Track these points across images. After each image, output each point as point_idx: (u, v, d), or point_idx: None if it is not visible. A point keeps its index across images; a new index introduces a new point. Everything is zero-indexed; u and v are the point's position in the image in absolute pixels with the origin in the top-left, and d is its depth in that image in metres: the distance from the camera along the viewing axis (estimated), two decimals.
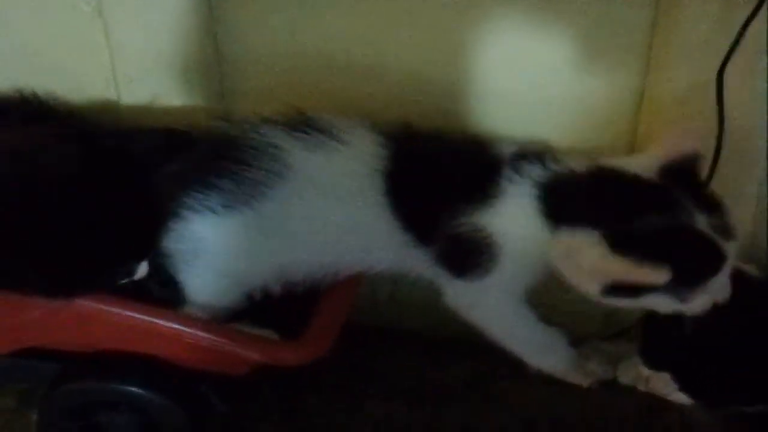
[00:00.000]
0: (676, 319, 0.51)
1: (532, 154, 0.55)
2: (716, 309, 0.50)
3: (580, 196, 0.52)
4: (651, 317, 0.55)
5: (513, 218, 0.53)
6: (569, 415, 0.60)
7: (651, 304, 0.50)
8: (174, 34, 0.61)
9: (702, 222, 0.49)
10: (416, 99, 0.60)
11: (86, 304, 0.50)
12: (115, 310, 0.51)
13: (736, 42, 0.50)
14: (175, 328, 0.51)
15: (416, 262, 0.58)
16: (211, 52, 0.62)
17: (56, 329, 0.54)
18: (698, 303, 0.50)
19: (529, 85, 0.57)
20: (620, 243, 0.46)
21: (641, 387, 0.59)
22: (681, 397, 0.56)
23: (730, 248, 0.49)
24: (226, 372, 0.55)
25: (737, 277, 0.51)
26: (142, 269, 0.51)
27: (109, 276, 0.50)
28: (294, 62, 0.61)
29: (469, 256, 0.54)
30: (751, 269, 0.56)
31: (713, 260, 0.48)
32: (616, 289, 0.48)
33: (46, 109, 0.62)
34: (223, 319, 0.55)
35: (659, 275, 0.46)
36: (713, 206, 0.50)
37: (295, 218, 0.55)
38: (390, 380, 0.64)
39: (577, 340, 0.60)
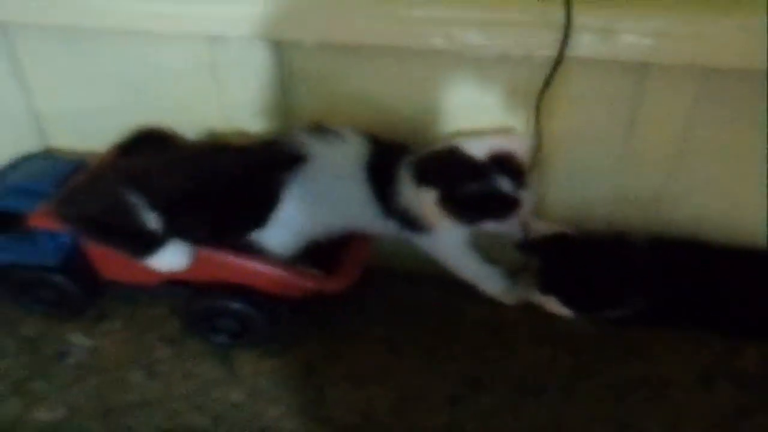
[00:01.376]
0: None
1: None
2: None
3: (431, 166, 0.82)
4: (542, 260, 0.86)
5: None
6: None
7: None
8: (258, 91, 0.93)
9: (506, 186, 0.79)
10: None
11: (212, 253, 0.83)
12: (229, 257, 0.83)
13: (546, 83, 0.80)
14: (261, 268, 0.84)
15: (392, 229, 0.86)
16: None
17: (196, 268, 0.84)
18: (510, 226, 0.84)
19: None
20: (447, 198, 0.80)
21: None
22: (566, 311, 0.86)
23: (523, 196, 0.80)
24: (290, 295, 0.87)
25: None
26: (257, 232, 0.81)
27: (243, 234, 0.82)
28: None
29: (413, 221, 0.84)
30: None
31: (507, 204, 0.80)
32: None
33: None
34: (288, 261, 0.86)
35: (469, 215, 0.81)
36: (517, 177, 0.80)
37: (316, 193, 0.83)
38: None
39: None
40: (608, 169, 0.89)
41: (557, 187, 0.91)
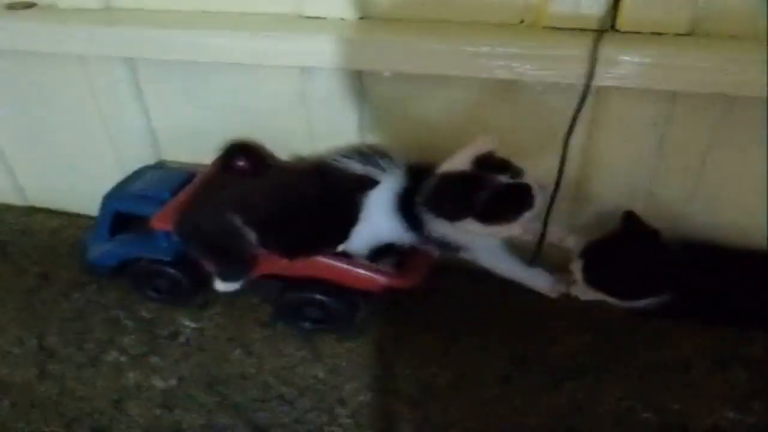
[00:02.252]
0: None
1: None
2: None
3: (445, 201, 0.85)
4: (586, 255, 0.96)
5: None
6: None
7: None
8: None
9: (504, 178, 0.82)
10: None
11: None
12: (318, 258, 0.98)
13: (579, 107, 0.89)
14: (341, 266, 0.98)
15: (435, 249, 0.95)
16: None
17: (286, 266, 0.99)
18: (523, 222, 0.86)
19: None
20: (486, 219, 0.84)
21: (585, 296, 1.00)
22: (600, 296, 0.96)
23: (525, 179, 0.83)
24: (367, 289, 1.00)
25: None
26: (341, 247, 0.94)
27: (325, 251, 0.95)
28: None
29: (449, 245, 0.92)
30: None
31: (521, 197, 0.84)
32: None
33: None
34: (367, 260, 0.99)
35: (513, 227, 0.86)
36: (507, 168, 0.83)
37: (380, 208, 0.91)
38: None
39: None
40: (643, 179, 1.01)
41: (603, 192, 1.04)
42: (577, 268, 0.97)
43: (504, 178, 0.83)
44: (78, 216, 1.41)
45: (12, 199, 1.45)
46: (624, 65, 0.86)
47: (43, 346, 1.10)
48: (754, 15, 0.84)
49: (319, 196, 0.90)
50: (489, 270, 0.98)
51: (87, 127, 1.24)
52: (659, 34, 0.88)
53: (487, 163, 0.84)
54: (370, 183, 0.91)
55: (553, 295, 1.01)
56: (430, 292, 1.07)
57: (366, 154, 0.93)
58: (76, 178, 1.34)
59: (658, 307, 0.96)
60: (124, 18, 1.08)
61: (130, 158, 1.22)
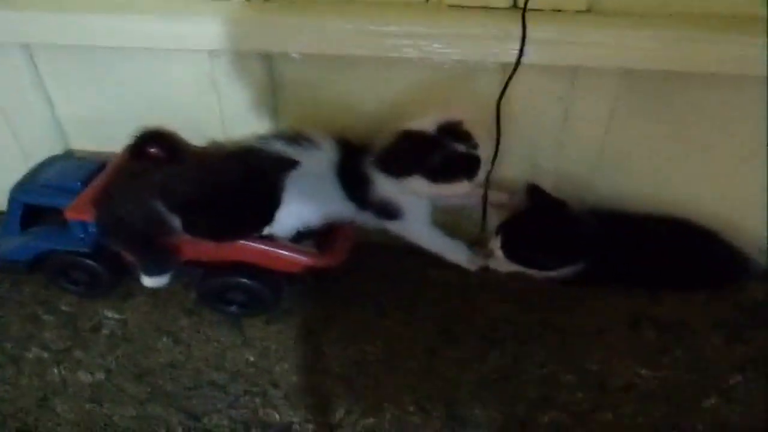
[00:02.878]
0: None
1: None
2: None
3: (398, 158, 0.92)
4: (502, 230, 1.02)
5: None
6: None
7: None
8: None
9: (461, 147, 0.90)
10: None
11: None
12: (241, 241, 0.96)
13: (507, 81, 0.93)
14: (266, 249, 0.98)
15: (365, 218, 0.99)
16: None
17: (209, 251, 0.99)
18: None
19: None
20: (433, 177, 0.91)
21: (502, 268, 1.07)
22: (513, 267, 1.03)
23: (480, 154, 0.91)
24: (290, 270, 1.00)
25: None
26: (267, 229, 0.92)
27: (251, 233, 0.93)
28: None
29: (387, 210, 0.98)
30: None
31: (469, 165, 0.91)
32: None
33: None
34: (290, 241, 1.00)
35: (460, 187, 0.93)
36: (467, 139, 0.90)
37: (303, 189, 0.94)
38: None
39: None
40: (550, 152, 1.05)
41: (512, 166, 1.07)
42: (495, 243, 1.00)
43: (460, 147, 0.90)
44: None
45: None
46: (527, 42, 0.89)
47: None
48: None
49: (242, 178, 0.89)
50: (412, 243, 1.02)
51: None
52: (560, 11, 0.90)
53: (450, 131, 0.91)
54: (292, 164, 0.92)
55: (473, 268, 1.06)
56: (353, 270, 1.08)
57: (289, 136, 0.96)
58: None
59: (572, 275, 1.01)
60: (17, 1, 1.02)
61: (35, 149, 1.17)
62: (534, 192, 1.01)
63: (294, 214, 0.97)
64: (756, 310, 1.06)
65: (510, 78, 0.93)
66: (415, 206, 0.99)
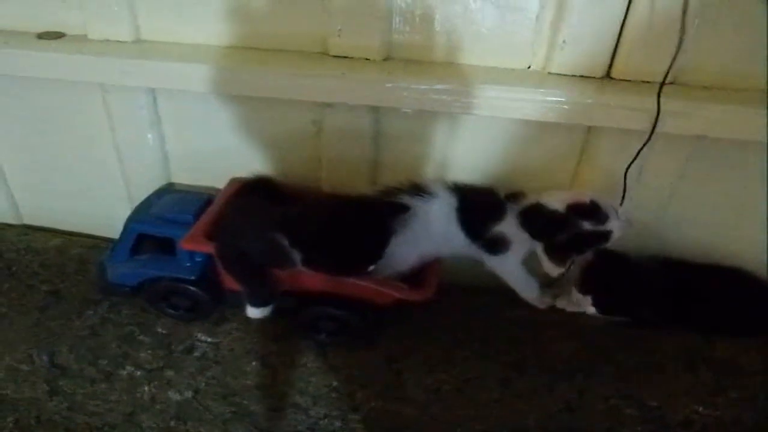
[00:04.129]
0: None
1: (515, 195, 1.07)
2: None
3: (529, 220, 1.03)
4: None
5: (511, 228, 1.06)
6: None
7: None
8: None
9: (587, 226, 1.00)
10: None
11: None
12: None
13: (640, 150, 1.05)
14: (361, 282, 1.03)
15: (474, 252, 1.08)
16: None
17: (311, 283, 1.06)
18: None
19: None
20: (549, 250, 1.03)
21: (569, 308, 1.16)
22: (593, 310, 1.12)
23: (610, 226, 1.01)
24: (381, 303, 1.07)
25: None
26: (372, 266, 0.98)
27: (363, 269, 0.99)
28: None
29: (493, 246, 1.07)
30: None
31: (598, 239, 1.02)
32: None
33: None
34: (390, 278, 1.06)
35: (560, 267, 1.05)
36: (597, 218, 1.00)
37: (419, 233, 1.05)
38: None
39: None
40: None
41: None
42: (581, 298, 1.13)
43: (586, 226, 1.01)
44: (79, 235, 1.44)
45: (8, 218, 1.47)
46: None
47: (54, 363, 1.12)
48: None
49: (359, 220, 0.99)
50: (489, 283, 1.11)
51: (99, 151, 1.29)
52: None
53: (578, 210, 1.02)
54: (404, 208, 1.02)
55: (543, 306, 1.15)
56: (434, 306, 1.15)
57: (409, 188, 1.08)
58: (79, 198, 1.38)
59: (638, 318, 1.11)
60: (150, 50, 1.14)
61: (139, 181, 1.27)
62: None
63: (414, 251, 1.07)
64: None
65: (643, 146, 1.04)
66: (520, 243, 1.07)
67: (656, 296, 1.11)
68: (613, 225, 1.02)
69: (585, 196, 1.02)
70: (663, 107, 0.98)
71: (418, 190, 1.07)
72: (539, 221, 1.03)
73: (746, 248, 1.17)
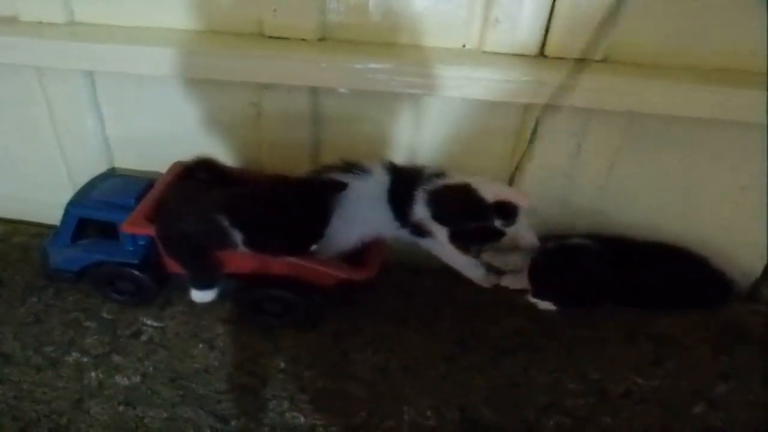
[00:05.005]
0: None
1: (432, 174, 1.04)
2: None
3: (444, 206, 1.01)
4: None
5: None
6: None
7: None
8: None
9: (499, 224, 0.99)
10: None
11: None
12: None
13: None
14: (303, 263, 1.04)
15: (405, 236, 1.08)
16: None
17: (252, 264, 1.07)
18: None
19: None
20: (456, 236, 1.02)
21: (513, 286, 1.17)
22: (547, 305, 1.13)
23: (511, 229, 1.00)
24: (325, 284, 1.08)
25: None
26: (315, 246, 0.99)
27: (305, 248, 0.99)
28: None
29: (422, 231, 1.06)
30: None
31: (497, 236, 1.01)
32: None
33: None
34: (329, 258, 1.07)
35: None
36: (507, 215, 0.99)
37: (355, 212, 1.04)
38: None
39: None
40: (559, 185, 1.17)
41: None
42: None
43: (498, 223, 1.00)
44: (22, 223, 1.42)
45: None
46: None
47: None
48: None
49: (300, 200, 0.99)
50: (434, 263, 1.11)
51: (39, 136, 1.26)
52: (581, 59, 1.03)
53: (502, 207, 0.99)
54: (342, 186, 1.02)
55: (487, 285, 1.16)
56: (379, 286, 1.17)
57: (342, 167, 1.06)
58: (20, 185, 1.36)
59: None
60: (84, 32, 1.12)
61: (81, 166, 1.25)
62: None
63: (353, 232, 1.07)
64: (738, 326, 1.18)
65: (537, 123, 1.06)
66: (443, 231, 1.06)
67: (598, 277, 1.12)
68: (519, 226, 1.02)
69: (509, 194, 1.01)
70: (594, 84, 0.99)
71: (353, 168, 1.06)
72: (455, 207, 1.02)
73: (686, 225, 1.19)
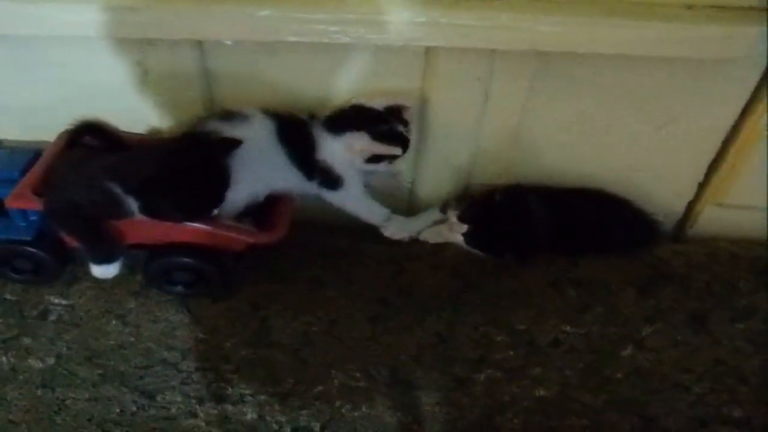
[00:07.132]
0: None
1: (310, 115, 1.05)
2: None
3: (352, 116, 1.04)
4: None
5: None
6: None
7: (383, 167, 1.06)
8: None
9: (401, 128, 1.02)
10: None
11: None
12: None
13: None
14: (208, 228, 0.99)
15: (310, 189, 1.06)
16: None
17: (155, 233, 1.01)
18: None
19: None
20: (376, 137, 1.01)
21: (432, 240, 1.15)
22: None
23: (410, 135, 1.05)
24: (233, 249, 1.04)
25: None
26: (215, 211, 0.95)
27: (206, 212, 0.95)
28: None
29: (330, 178, 1.05)
30: None
31: (403, 142, 1.03)
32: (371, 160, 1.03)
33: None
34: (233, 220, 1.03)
35: (396, 150, 1.03)
36: (404, 122, 1.02)
37: (247, 164, 0.98)
38: None
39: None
40: (470, 130, 1.12)
41: (434, 144, 1.14)
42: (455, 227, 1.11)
43: (400, 127, 1.04)
44: None
45: None
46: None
47: None
48: None
49: (195, 160, 0.94)
50: (348, 214, 1.09)
51: None
52: None
53: (394, 113, 1.05)
54: (236, 143, 0.97)
55: (399, 237, 1.14)
56: (291, 248, 1.13)
57: (220, 116, 1.02)
58: None
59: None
60: None
61: None
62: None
63: (241, 189, 1.01)
64: (663, 268, 1.16)
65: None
66: (353, 176, 1.06)
67: (533, 226, 1.09)
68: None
69: (402, 102, 1.05)
70: (492, 23, 0.92)
71: (229, 116, 1.02)
72: (355, 112, 1.05)
73: (605, 168, 1.15)
